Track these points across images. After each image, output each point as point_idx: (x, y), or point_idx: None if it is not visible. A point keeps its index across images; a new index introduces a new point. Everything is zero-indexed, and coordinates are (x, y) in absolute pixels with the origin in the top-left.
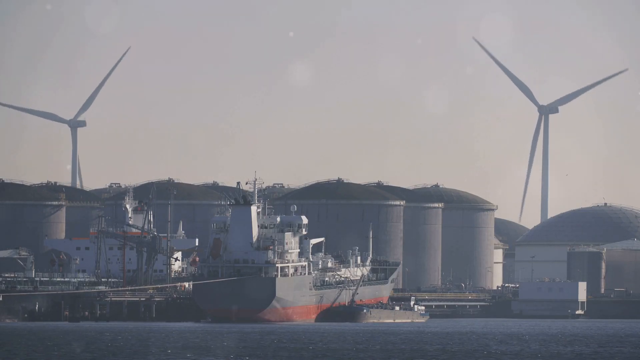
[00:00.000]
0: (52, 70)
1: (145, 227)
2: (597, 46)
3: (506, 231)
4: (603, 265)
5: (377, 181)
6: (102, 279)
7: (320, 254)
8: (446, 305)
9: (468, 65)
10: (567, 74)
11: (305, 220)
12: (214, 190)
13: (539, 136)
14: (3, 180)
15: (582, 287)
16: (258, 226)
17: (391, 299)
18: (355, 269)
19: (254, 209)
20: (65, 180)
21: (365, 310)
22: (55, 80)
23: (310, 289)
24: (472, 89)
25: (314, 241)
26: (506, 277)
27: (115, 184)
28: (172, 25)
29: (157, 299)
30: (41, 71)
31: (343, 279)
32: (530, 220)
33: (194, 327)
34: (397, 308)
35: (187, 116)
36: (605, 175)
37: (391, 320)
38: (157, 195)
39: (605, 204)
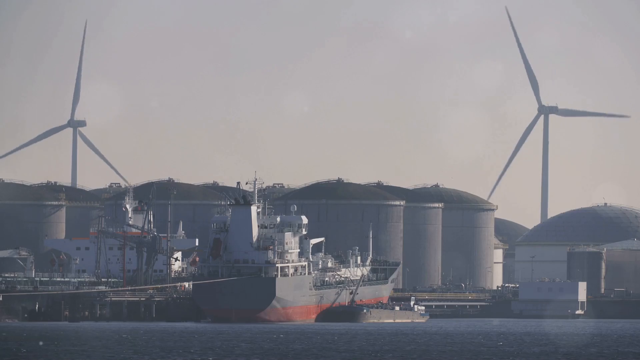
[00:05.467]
0: (52, 70)
1: (145, 227)
2: (604, 55)
3: (506, 231)
4: (603, 265)
5: (377, 181)
6: (102, 279)
7: (320, 254)
8: (446, 305)
9: (471, 64)
10: (572, 80)
11: (305, 220)
12: (214, 190)
13: (529, 134)
14: (3, 180)
15: (582, 287)
16: (258, 226)
17: (391, 299)
18: (355, 269)
19: (254, 209)
20: (65, 180)
21: (365, 310)
22: (56, 80)
23: (310, 289)
24: (472, 89)
25: (314, 241)
26: (506, 277)
27: (115, 184)
28: (172, 25)
29: (157, 299)
30: (41, 70)
31: (343, 279)
32: (530, 220)
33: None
34: (397, 308)
35: (187, 116)
36: (605, 175)
37: (391, 320)
38: (157, 195)
39: (605, 204)
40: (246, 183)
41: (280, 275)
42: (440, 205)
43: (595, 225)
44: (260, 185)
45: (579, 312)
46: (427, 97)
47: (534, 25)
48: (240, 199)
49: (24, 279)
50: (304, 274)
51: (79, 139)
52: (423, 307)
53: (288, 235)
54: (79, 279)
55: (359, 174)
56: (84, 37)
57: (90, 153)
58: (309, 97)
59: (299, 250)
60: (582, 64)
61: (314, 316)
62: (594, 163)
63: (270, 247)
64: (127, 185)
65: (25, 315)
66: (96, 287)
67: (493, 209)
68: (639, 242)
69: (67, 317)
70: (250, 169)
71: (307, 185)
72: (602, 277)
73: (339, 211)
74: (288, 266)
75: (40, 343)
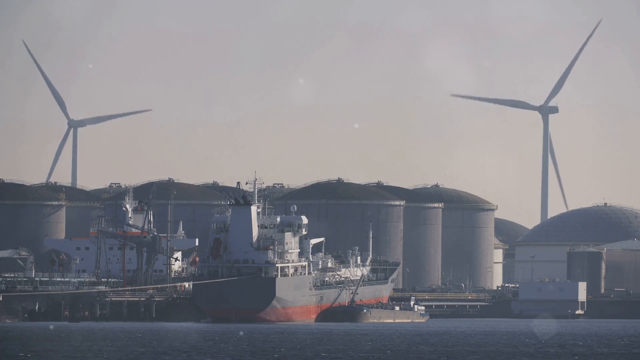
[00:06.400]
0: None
1: (145, 227)
2: (605, 55)
3: (506, 231)
4: (603, 265)
5: (377, 181)
6: (102, 279)
7: (320, 254)
8: (446, 305)
9: (471, 63)
10: (573, 80)
11: (305, 220)
12: (214, 190)
13: (547, 137)
14: (3, 180)
15: (582, 287)
16: (258, 226)
17: (391, 299)
18: (355, 269)
19: (254, 209)
20: (65, 180)
21: (365, 310)
22: (57, 80)
23: (310, 289)
24: (472, 88)
25: (314, 241)
26: (506, 277)
27: (115, 184)
28: (173, 25)
29: (157, 299)
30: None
31: (343, 279)
32: (530, 220)
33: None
34: (397, 308)
35: (188, 116)
36: (605, 175)
37: (391, 320)
38: (157, 195)
39: (605, 204)
40: (246, 183)
41: (280, 275)
42: (440, 205)
43: (595, 225)
44: (260, 185)
45: (579, 312)
46: (427, 97)
47: (535, 26)
48: (240, 199)
49: (24, 279)
50: (304, 274)
51: (79, 138)
52: (423, 307)
53: (288, 235)
54: (79, 279)
55: (359, 174)
56: (26, 47)
57: (90, 153)
58: (309, 97)
59: (299, 250)
60: (583, 63)
61: (314, 316)
62: (594, 163)
63: (270, 247)
64: (147, 108)
65: (25, 315)
66: (96, 287)
67: (493, 209)
68: (639, 242)
69: (67, 317)
70: (250, 169)
71: (307, 185)
72: (602, 277)
73: (339, 211)
74: (288, 266)
75: (51, 327)
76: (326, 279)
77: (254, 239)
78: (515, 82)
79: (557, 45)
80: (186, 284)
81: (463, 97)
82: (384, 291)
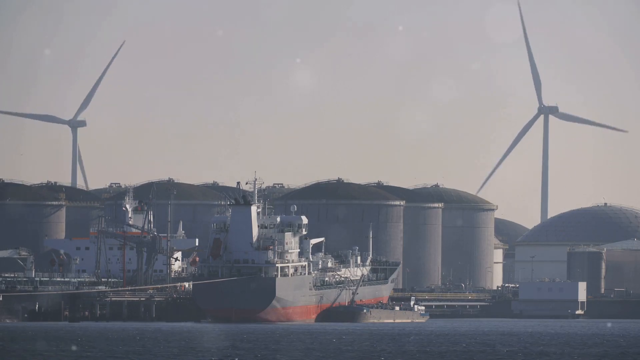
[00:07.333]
0: (51, 71)
1: (145, 227)
2: (605, 55)
3: (506, 231)
4: (603, 265)
5: (377, 181)
6: (102, 279)
7: (320, 254)
8: (446, 305)
9: (473, 63)
10: (573, 80)
11: (305, 220)
12: (214, 190)
13: (526, 132)
14: (3, 181)
15: (582, 287)
16: (258, 226)
17: (391, 299)
18: (355, 269)
19: (254, 209)
20: (65, 180)
21: (365, 310)
22: (55, 80)
23: (310, 289)
24: (473, 88)
25: (314, 241)
26: (506, 277)
27: (115, 184)
28: (172, 25)
29: (157, 299)
30: (41, 71)
31: (343, 279)
32: (530, 220)
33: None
34: (397, 308)
35: (188, 116)
36: (605, 175)
37: (391, 320)
38: (157, 195)
39: (605, 204)
40: (246, 183)
41: (280, 275)
42: (440, 205)
43: (595, 225)
44: (260, 185)
45: (579, 312)
46: (427, 97)
47: (535, 26)
48: (240, 199)
49: (24, 279)
50: (304, 274)
51: (79, 138)
52: (423, 307)
53: (288, 235)
54: (79, 279)
55: (359, 174)
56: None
57: (90, 153)
58: (309, 97)
59: (299, 250)
60: (583, 64)
61: (314, 316)
62: (594, 163)
63: (270, 247)
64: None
65: (25, 315)
66: (96, 287)
67: (493, 209)
68: (639, 242)
69: (67, 317)
70: (250, 169)
71: (307, 185)
72: (602, 277)
73: (339, 211)
74: (288, 266)
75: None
76: (326, 279)
77: (254, 239)
78: (518, 83)
79: (560, 46)
80: (186, 284)
81: (482, 186)
82: (384, 291)
